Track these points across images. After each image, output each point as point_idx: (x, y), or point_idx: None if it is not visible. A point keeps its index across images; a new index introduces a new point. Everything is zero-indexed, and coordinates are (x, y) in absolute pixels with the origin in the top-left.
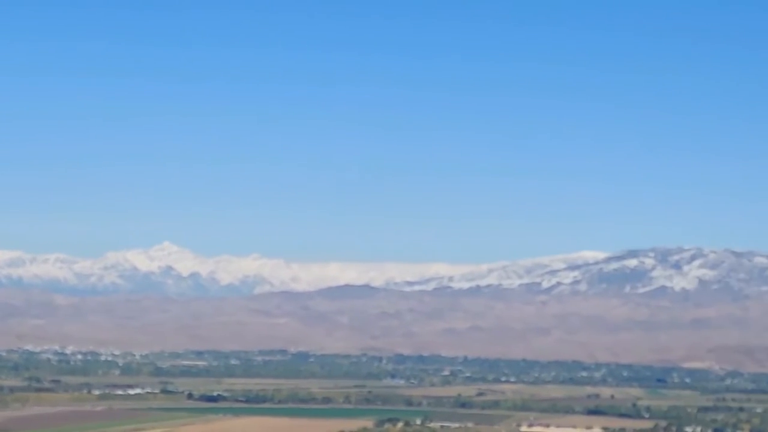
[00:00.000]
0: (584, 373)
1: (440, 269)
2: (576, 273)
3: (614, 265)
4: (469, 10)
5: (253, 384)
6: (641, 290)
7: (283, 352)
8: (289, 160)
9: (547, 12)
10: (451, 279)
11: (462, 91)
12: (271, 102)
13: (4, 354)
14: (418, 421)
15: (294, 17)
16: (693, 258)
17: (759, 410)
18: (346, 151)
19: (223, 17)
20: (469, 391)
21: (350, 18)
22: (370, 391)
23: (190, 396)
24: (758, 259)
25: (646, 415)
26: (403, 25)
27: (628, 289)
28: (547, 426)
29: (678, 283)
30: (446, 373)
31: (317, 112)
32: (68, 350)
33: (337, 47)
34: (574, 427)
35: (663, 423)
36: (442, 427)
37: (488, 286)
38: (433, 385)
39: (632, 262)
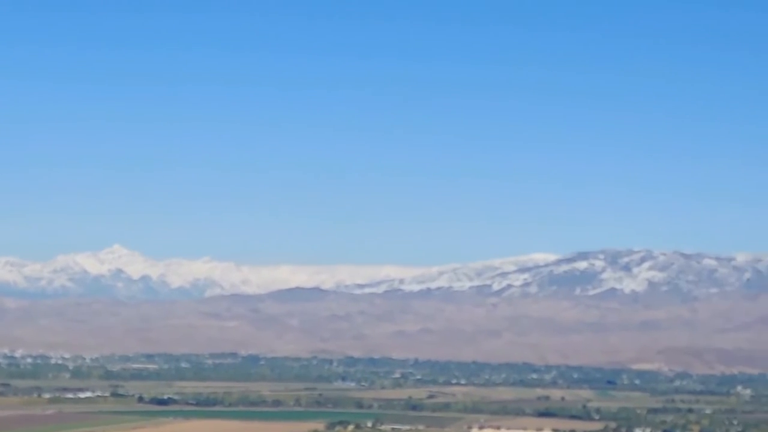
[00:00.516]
0: (534, 375)
1: (390, 272)
2: (526, 275)
3: (564, 267)
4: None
5: (204, 387)
6: (591, 292)
7: (234, 355)
8: (237, 163)
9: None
10: (401, 281)
11: (412, 93)
12: (219, 105)
13: None
14: (369, 424)
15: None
16: (642, 260)
17: (708, 411)
18: (295, 153)
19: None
20: (419, 393)
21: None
22: (320, 394)
23: (140, 399)
24: (707, 261)
25: (596, 417)
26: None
27: (578, 291)
28: (498, 428)
29: (628, 285)
30: (397, 375)
31: (267, 115)
32: (18, 354)
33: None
34: (525, 428)
35: (613, 424)
36: (392, 429)
37: (438, 288)
38: (383, 387)
39: (582, 264)
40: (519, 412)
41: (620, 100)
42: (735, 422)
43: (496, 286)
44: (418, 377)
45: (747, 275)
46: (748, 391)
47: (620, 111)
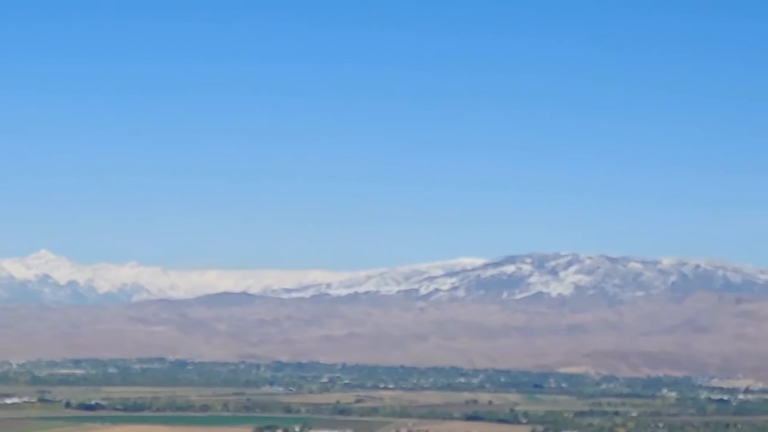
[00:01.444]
0: (462, 379)
1: (318, 276)
2: (454, 279)
3: (492, 272)
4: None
5: (132, 392)
6: (519, 296)
7: (162, 359)
8: (163, 167)
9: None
10: (329, 286)
11: (338, 97)
12: (142, 112)
13: None
14: (297, 428)
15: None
16: (569, 264)
17: (634, 414)
18: (220, 157)
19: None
20: (347, 397)
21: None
22: (248, 399)
23: (67, 405)
24: (632, 265)
25: (524, 420)
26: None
27: (505, 295)
28: None
29: (555, 288)
30: (325, 380)
31: (189, 121)
32: None
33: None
34: None
35: (540, 428)
36: None
37: (366, 292)
38: (311, 392)
39: (510, 268)
40: (447, 416)
41: (546, 104)
42: (660, 425)
43: (423, 290)
44: (346, 381)
45: (672, 278)
46: (673, 394)
47: (544, 114)
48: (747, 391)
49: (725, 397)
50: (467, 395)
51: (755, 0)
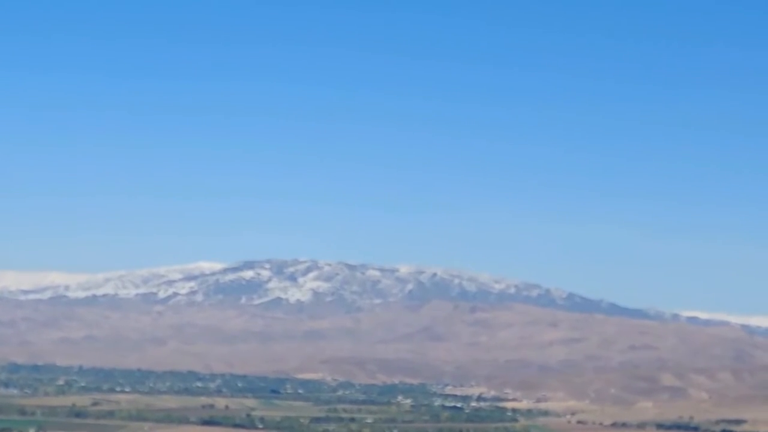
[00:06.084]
0: (199, 384)
1: (56, 278)
2: (192, 284)
3: (230, 277)
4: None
5: None
6: (257, 302)
7: None
8: None
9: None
10: (67, 288)
11: (80, 106)
12: None
13: None
14: (32, 431)
15: None
16: (308, 270)
17: (369, 420)
18: None
19: None
20: (84, 400)
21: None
22: None
23: None
24: (371, 272)
25: (260, 426)
26: None
27: (244, 300)
28: None
29: (293, 294)
30: (61, 382)
31: None
32: None
33: None
34: None
35: None
36: None
37: (104, 295)
38: (47, 394)
39: (248, 274)
40: (183, 420)
41: (285, 112)
42: (395, 431)
43: (162, 294)
44: (83, 384)
45: (410, 287)
46: (408, 401)
47: (284, 122)
48: (480, 398)
49: (459, 404)
50: (204, 400)
51: None
